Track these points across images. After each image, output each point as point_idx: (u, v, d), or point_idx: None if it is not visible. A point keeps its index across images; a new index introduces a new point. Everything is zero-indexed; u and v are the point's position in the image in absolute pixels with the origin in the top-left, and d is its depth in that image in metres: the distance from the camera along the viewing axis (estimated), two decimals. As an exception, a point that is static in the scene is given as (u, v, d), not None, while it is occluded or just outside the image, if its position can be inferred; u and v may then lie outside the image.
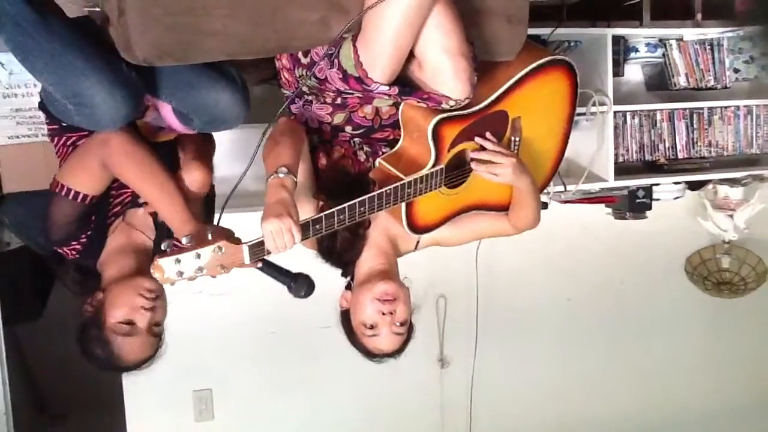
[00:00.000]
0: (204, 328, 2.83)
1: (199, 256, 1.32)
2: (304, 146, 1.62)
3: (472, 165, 1.67)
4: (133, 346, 1.59)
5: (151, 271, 1.32)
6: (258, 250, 1.39)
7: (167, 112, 1.63)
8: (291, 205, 1.38)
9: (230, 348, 3.00)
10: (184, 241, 1.32)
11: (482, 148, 1.67)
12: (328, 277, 1.71)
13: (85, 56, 1.40)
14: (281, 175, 1.42)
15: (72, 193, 1.56)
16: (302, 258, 1.73)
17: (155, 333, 1.63)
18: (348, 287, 1.76)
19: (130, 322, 1.57)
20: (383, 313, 1.63)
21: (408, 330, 1.70)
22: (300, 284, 1.51)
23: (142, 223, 1.73)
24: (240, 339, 3.02)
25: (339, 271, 1.79)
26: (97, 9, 1.63)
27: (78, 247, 1.64)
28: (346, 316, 1.74)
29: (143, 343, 1.60)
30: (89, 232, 1.63)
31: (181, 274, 1.33)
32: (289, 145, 1.51)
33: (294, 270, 1.54)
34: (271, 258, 1.46)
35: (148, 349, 1.62)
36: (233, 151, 1.97)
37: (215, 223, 1.52)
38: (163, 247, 1.32)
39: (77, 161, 1.60)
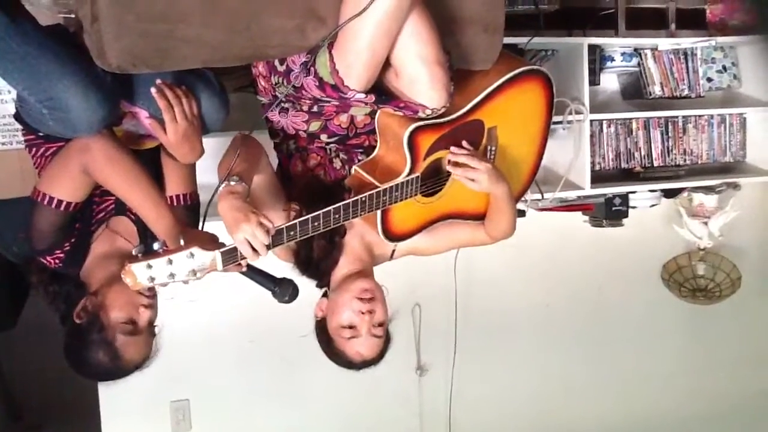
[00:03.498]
0: (181, 338, 2.80)
1: (171, 262, 1.31)
2: (263, 159, 1.63)
3: (449, 168, 1.68)
4: (136, 346, 1.60)
5: (122, 276, 1.31)
6: (231, 256, 1.38)
7: (144, 119, 1.62)
8: (247, 208, 1.39)
9: (208, 358, 2.97)
10: (155, 246, 1.31)
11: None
12: (305, 286, 1.71)
13: (58, 59, 1.40)
14: (232, 183, 1.43)
15: (54, 201, 1.54)
16: (284, 265, 1.73)
17: (152, 332, 1.64)
18: (324, 295, 1.75)
19: (132, 321, 1.58)
20: (362, 313, 1.63)
21: (386, 335, 1.70)
22: (284, 289, 1.51)
23: (126, 229, 1.72)
24: (218, 348, 2.99)
25: (313, 282, 1.78)
26: (71, 15, 1.62)
27: (62, 255, 1.62)
28: (322, 326, 1.73)
29: (144, 342, 1.62)
30: (73, 240, 1.62)
31: (152, 279, 1.32)
32: (240, 156, 1.52)
33: (278, 276, 1.55)
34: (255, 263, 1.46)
35: (148, 348, 1.63)
36: (213, 160, 1.97)
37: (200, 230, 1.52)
38: (134, 252, 1.31)
39: (58, 168, 1.58)
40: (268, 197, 1.62)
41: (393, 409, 3.26)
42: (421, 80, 1.43)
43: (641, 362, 3.59)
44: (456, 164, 1.67)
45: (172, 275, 1.32)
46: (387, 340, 1.72)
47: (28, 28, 1.42)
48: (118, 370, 1.60)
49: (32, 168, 1.72)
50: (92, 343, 1.57)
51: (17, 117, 1.67)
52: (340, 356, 1.70)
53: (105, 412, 2.86)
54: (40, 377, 3.24)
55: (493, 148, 1.76)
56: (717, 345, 3.66)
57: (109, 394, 2.77)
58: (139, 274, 1.31)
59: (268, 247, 1.40)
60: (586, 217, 3.14)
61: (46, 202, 1.54)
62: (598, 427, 3.57)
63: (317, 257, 1.69)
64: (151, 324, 1.63)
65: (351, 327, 1.65)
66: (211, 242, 1.40)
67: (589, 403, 3.55)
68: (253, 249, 1.37)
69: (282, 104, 1.63)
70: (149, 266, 1.30)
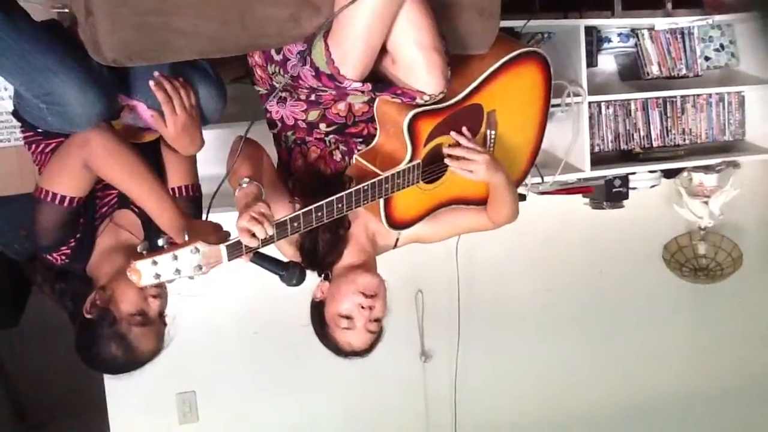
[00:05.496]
0: (186, 330, 2.79)
1: (176, 257, 1.31)
2: (265, 158, 1.66)
3: (447, 161, 1.68)
4: (148, 337, 1.60)
5: (128, 274, 1.31)
6: (236, 249, 1.38)
7: (143, 111, 1.62)
8: (258, 200, 1.41)
9: (213, 349, 2.98)
10: (160, 242, 1.31)
11: (457, 144, 1.68)
12: (308, 273, 1.71)
13: (54, 54, 1.39)
14: (244, 185, 1.46)
15: (57, 197, 1.54)
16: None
17: (164, 321, 1.65)
18: (326, 278, 1.76)
19: (142, 313, 1.58)
20: (362, 307, 1.64)
21: (379, 329, 1.71)
22: (291, 273, 1.52)
23: (130, 222, 1.72)
24: (222, 340, 3.00)
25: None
26: (65, 10, 1.61)
27: (67, 251, 1.62)
28: (318, 308, 1.74)
29: (156, 333, 1.63)
30: (78, 236, 1.62)
31: (158, 276, 1.31)
32: (244, 158, 1.56)
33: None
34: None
35: (160, 338, 1.64)
36: (214, 151, 1.98)
37: None
38: (139, 249, 1.31)
39: (58, 164, 1.57)
40: (273, 194, 1.63)
41: (398, 396, 3.28)
42: (418, 67, 1.43)
43: (644, 343, 3.60)
44: (452, 158, 1.67)
45: (177, 271, 1.32)
46: (379, 333, 1.73)
47: (23, 24, 1.41)
48: (132, 362, 1.61)
49: (30, 164, 1.72)
50: (104, 337, 1.57)
51: (15, 114, 1.66)
52: (331, 341, 1.72)
53: (112, 405, 2.87)
54: (44, 375, 3.26)
55: (493, 132, 1.76)
56: (719, 324, 3.67)
57: (116, 387, 2.79)
58: (144, 271, 1.30)
59: (272, 239, 1.41)
60: (587, 200, 3.14)
61: (49, 199, 1.53)
62: (602, 409, 3.59)
63: (323, 251, 1.69)
64: (161, 314, 1.63)
65: (348, 318, 1.66)
66: (215, 231, 1.41)
67: (593, 385, 3.57)
68: (252, 234, 1.37)
69: (279, 94, 1.63)
70: (154, 263, 1.30)
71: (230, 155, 1.61)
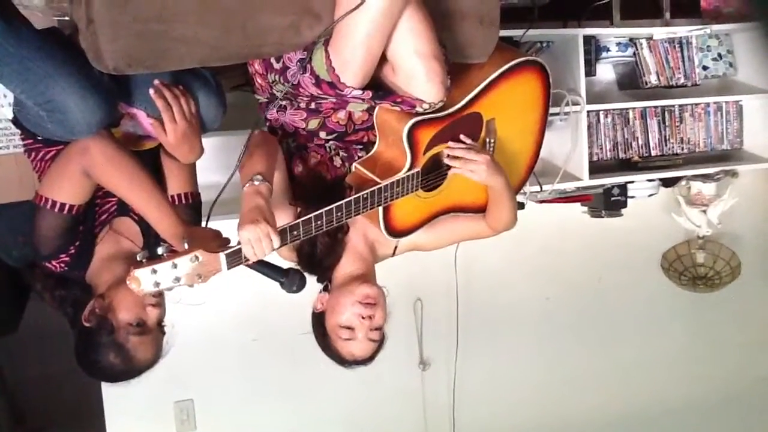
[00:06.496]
0: (184, 338, 2.79)
1: (175, 266, 1.31)
2: (279, 155, 1.63)
3: (446, 161, 1.68)
4: (147, 345, 1.61)
5: (128, 282, 1.31)
6: (235, 257, 1.38)
7: (142, 119, 1.62)
8: (267, 211, 1.38)
9: (211, 357, 2.97)
10: (159, 251, 1.31)
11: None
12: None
13: (54, 61, 1.40)
14: (256, 183, 1.42)
15: (57, 205, 1.54)
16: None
17: (162, 330, 1.65)
18: (325, 289, 1.76)
19: (141, 322, 1.59)
20: (362, 317, 1.64)
21: (380, 337, 1.71)
22: (291, 279, 1.52)
23: (129, 230, 1.72)
24: (220, 347, 2.99)
25: (314, 277, 1.78)
26: (66, 18, 1.61)
27: (67, 259, 1.62)
28: (319, 319, 1.74)
29: (155, 341, 1.63)
30: (77, 243, 1.62)
31: (158, 284, 1.31)
32: (262, 154, 1.52)
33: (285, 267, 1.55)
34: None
35: (158, 346, 1.64)
36: (213, 159, 1.98)
37: None
38: (138, 258, 1.31)
39: (58, 172, 1.57)
40: (280, 194, 1.62)
41: (397, 404, 3.27)
42: (418, 75, 1.43)
43: (642, 352, 3.59)
44: (454, 158, 1.67)
45: (177, 279, 1.32)
46: (381, 341, 1.73)
47: (23, 32, 1.41)
48: (131, 370, 1.61)
49: (30, 172, 1.72)
50: (103, 345, 1.57)
51: (15, 122, 1.66)
52: (333, 352, 1.72)
53: (109, 413, 2.86)
54: (42, 381, 3.24)
55: (492, 141, 1.76)
56: (718, 333, 3.67)
57: (114, 395, 2.77)
58: (144, 279, 1.30)
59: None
60: (585, 208, 3.15)
61: (48, 206, 1.54)
62: (601, 417, 3.58)
63: (320, 254, 1.69)
64: (159, 322, 1.63)
65: (349, 328, 1.66)
66: (215, 239, 1.40)
67: (591, 393, 3.56)
68: (254, 252, 1.37)
69: (279, 102, 1.63)
70: (154, 271, 1.29)
71: (244, 147, 1.56)
